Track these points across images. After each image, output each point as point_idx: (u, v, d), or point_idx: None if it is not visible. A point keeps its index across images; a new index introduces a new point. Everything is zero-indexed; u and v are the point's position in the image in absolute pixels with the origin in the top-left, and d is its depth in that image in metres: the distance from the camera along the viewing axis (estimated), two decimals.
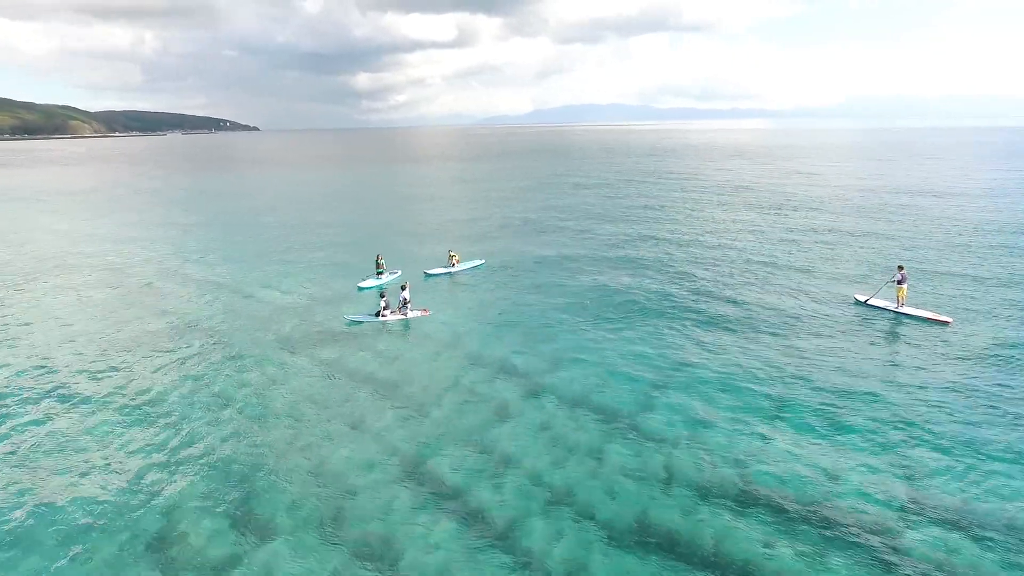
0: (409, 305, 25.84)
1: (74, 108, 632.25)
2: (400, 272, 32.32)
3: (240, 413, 17.45)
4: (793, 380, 18.82)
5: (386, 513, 12.80)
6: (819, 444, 15.11)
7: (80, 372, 20.50)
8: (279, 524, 12.52)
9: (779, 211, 51.91)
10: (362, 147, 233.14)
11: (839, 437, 15.42)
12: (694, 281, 30.44)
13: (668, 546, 11.66)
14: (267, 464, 14.74)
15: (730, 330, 23.34)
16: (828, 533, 11.89)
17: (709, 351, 21.33)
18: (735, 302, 26.81)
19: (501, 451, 15.15)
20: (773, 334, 22.74)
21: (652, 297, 27.94)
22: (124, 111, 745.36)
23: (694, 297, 27.72)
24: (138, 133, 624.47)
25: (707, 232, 43.14)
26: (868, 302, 25.68)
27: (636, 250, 37.71)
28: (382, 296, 25.38)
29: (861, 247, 37.25)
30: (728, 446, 15.09)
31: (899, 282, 24.75)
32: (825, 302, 26.48)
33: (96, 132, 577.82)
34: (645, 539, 11.87)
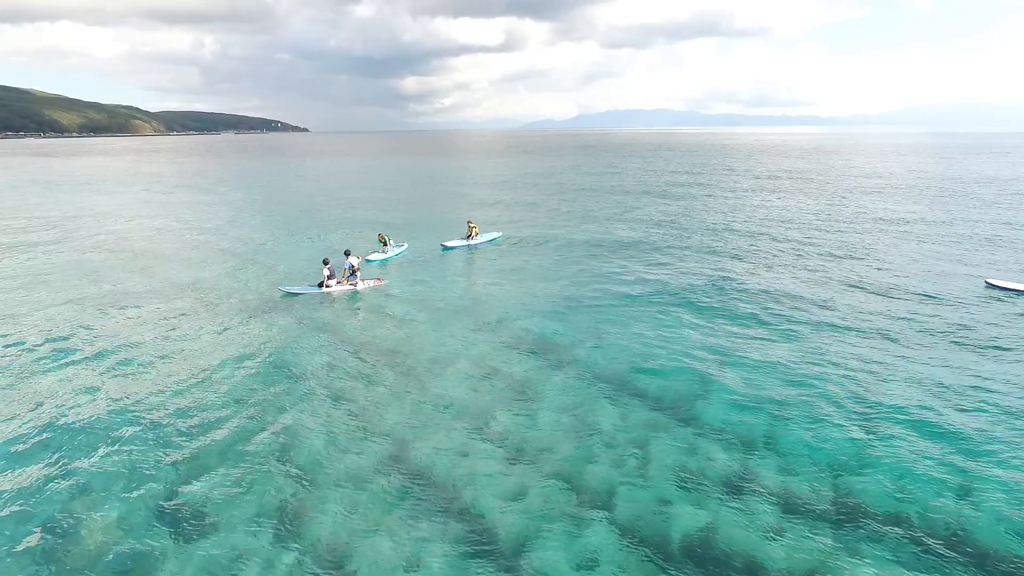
0: (359, 274, 23.32)
1: (137, 108, 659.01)
2: (406, 245, 30.06)
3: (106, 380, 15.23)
4: (896, 369, 15.22)
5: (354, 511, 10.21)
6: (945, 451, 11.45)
7: (69, 329, 18.75)
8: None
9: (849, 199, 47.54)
10: (402, 146, 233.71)
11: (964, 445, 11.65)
12: (743, 270, 27.00)
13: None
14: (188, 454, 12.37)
15: (819, 320, 19.85)
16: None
17: (782, 340, 17.68)
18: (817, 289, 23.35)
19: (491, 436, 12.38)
20: (874, 330, 19.18)
21: (706, 284, 23.79)
22: (183, 111, 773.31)
23: (747, 287, 24.26)
24: (195, 132, 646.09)
25: (770, 221, 39.41)
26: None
27: (691, 238, 34.07)
28: (325, 263, 22.91)
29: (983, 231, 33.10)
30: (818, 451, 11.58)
31: None
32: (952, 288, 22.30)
33: (156, 131, 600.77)
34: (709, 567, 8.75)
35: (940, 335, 17.40)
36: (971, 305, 20.05)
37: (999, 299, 20.61)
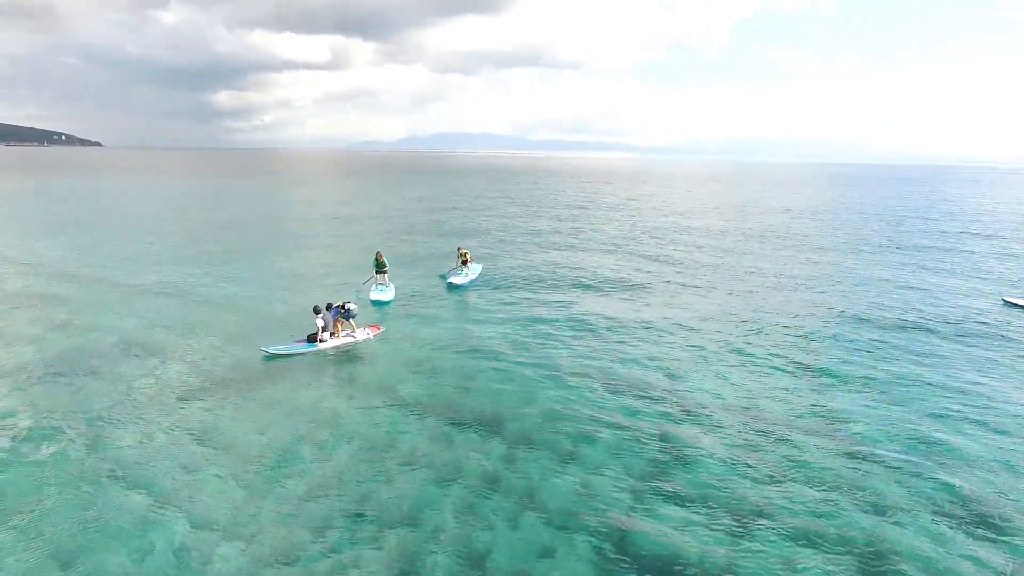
0: (354, 321, 18.40)
1: None
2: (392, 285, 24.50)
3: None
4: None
5: None
6: None
7: None
8: None
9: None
10: (220, 165, 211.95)
11: None
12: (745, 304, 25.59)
13: None
14: None
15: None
16: None
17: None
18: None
19: None
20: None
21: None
22: None
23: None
24: None
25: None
26: None
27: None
28: (316, 312, 17.67)
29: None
30: None
31: None
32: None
33: None
34: None
35: (964, 352, 17.81)
36: (992, 323, 20.81)
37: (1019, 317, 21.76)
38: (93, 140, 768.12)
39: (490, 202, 66.91)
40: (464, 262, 26.42)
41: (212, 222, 46.21)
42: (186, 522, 9.60)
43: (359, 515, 9.89)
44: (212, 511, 9.90)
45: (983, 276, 28.86)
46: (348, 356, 17.23)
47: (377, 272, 23.87)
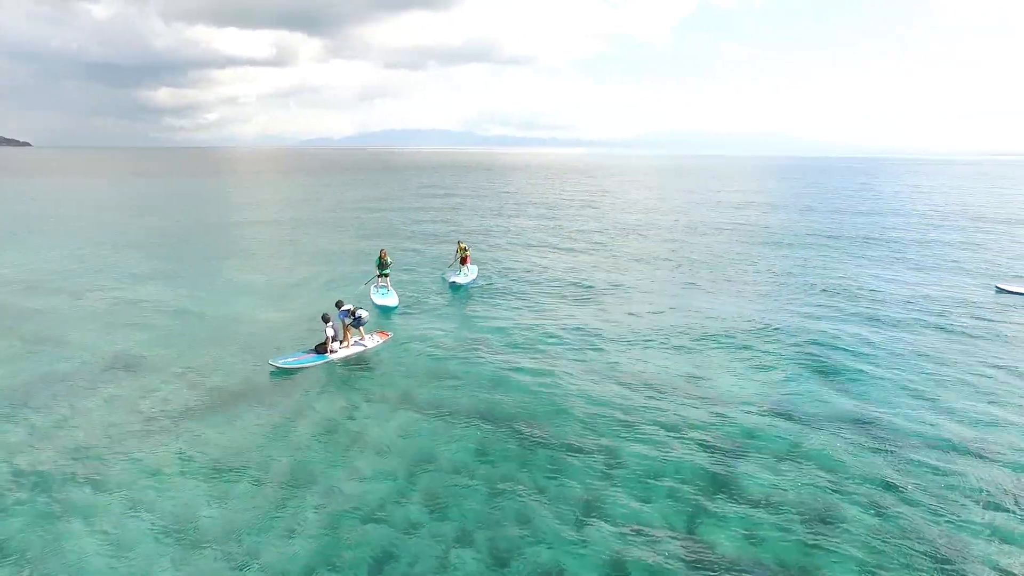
0: (363, 327, 17.22)
1: None
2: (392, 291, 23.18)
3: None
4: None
5: None
6: None
7: None
8: None
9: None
10: (161, 165, 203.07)
11: None
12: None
13: None
14: None
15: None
16: None
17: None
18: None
19: None
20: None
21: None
22: None
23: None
24: None
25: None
26: None
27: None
28: (325, 320, 16.41)
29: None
30: None
31: None
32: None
33: None
34: None
35: (960, 338, 18.36)
36: (987, 310, 21.23)
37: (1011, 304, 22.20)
38: (21, 140, 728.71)
39: (460, 200, 65.67)
40: (463, 260, 25.39)
41: (172, 227, 43.62)
42: (222, 561, 8.51)
43: (409, 539, 9.08)
44: (249, 547, 8.83)
45: (965, 264, 29.71)
46: (361, 366, 16.16)
47: (380, 274, 22.65)
